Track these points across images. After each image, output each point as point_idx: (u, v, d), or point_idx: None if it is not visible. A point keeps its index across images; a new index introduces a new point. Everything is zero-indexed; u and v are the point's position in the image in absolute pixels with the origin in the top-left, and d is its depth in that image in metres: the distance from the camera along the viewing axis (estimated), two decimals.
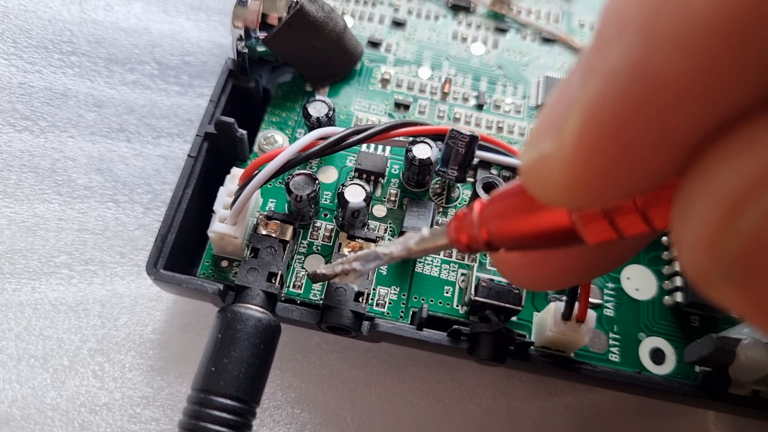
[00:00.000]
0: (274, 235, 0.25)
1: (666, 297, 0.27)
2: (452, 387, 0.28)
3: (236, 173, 0.26)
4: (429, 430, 0.27)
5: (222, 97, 0.28)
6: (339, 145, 0.25)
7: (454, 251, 0.27)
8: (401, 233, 0.26)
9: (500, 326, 0.24)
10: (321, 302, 0.25)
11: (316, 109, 0.27)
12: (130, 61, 0.33)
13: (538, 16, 0.34)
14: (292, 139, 0.29)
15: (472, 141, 0.27)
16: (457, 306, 0.26)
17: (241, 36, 0.27)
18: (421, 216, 0.26)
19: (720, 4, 0.08)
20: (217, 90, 0.28)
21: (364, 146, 0.29)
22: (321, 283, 0.26)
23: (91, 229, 0.29)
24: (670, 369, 0.26)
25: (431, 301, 0.26)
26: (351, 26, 0.32)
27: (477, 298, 0.25)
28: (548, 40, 0.33)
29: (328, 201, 0.28)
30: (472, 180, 0.29)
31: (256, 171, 0.24)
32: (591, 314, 0.24)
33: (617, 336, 0.27)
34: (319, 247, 0.27)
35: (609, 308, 0.27)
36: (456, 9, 0.34)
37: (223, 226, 0.25)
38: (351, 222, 0.26)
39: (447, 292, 0.26)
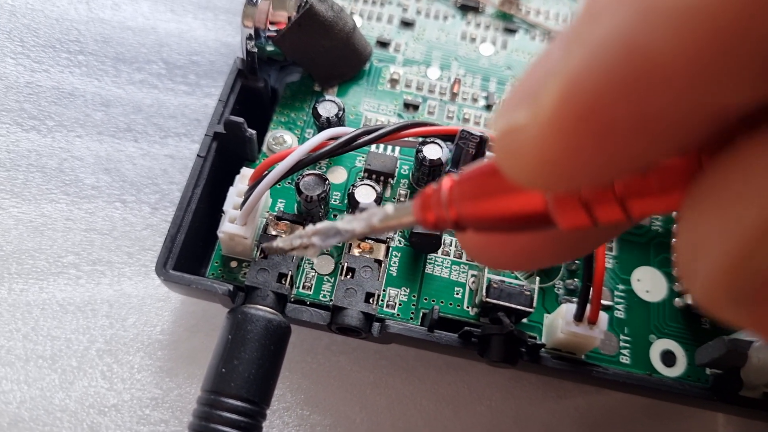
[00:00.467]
0: (283, 235, 0.25)
1: (677, 299, 0.27)
2: (462, 389, 0.28)
3: (246, 173, 0.25)
4: (438, 431, 0.27)
5: (231, 96, 0.28)
6: (349, 145, 0.25)
7: (465, 252, 0.27)
8: (412, 234, 0.26)
9: (512, 328, 0.24)
10: (331, 303, 0.25)
11: (326, 110, 0.27)
12: (137, 60, 0.33)
13: (547, 17, 0.34)
14: (302, 140, 0.29)
15: (483, 142, 0.26)
16: (468, 307, 0.26)
17: (250, 35, 0.27)
18: None
19: None
20: (226, 89, 0.28)
21: (373, 147, 0.29)
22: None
23: (98, 229, 0.29)
24: (680, 371, 0.26)
25: (441, 302, 0.26)
26: (360, 26, 0.32)
27: (488, 300, 0.24)
28: None
29: (338, 201, 0.28)
30: None
31: (267, 171, 0.24)
32: (603, 316, 0.24)
33: (628, 338, 0.26)
34: (329, 248, 0.26)
35: (619, 310, 0.27)
36: (465, 9, 0.34)
37: (233, 226, 0.24)
38: None
39: (457, 294, 0.26)
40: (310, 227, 0.18)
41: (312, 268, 0.26)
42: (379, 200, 0.25)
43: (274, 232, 0.25)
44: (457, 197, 0.13)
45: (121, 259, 0.29)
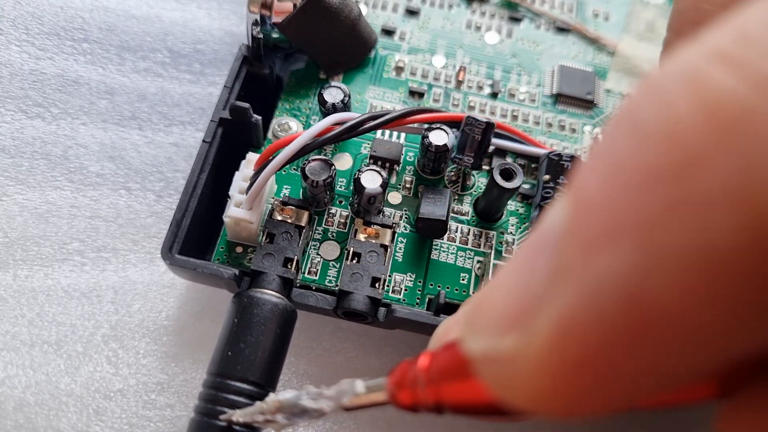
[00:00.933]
0: (289, 220, 0.25)
1: None
2: None
3: (252, 158, 0.25)
4: (444, 417, 0.27)
5: (236, 83, 0.28)
6: (355, 130, 0.25)
7: (471, 237, 0.27)
8: (418, 219, 0.26)
9: None
10: (337, 288, 0.25)
11: (332, 95, 0.27)
12: (141, 48, 0.33)
13: (552, 6, 0.34)
14: (307, 126, 0.29)
15: (489, 128, 0.26)
16: (474, 293, 0.26)
17: (256, 21, 0.27)
18: (438, 203, 0.26)
19: (745, 233, 0.06)
20: (231, 76, 0.28)
21: (379, 133, 0.29)
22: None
23: (103, 217, 0.29)
24: None
25: (447, 288, 0.26)
26: (365, 14, 0.32)
27: None
28: (562, 29, 0.33)
29: (343, 188, 0.28)
30: (487, 168, 0.29)
31: (272, 156, 0.24)
32: None
33: None
34: (335, 234, 0.26)
35: None
36: None
37: (238, 210, 0.24)
38: (367, 208, 0.26)
39: (463, 279, 0.26)
40: (272, 397, 0.16)
41: (318, 254, 0.26)
42: (385, 186, 0.25)
43: (279, 217, 0.25)
44: (437, 377, 0.12)
45: (126, 246, 0.29)
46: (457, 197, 0.28)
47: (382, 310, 0.25)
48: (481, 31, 0.33)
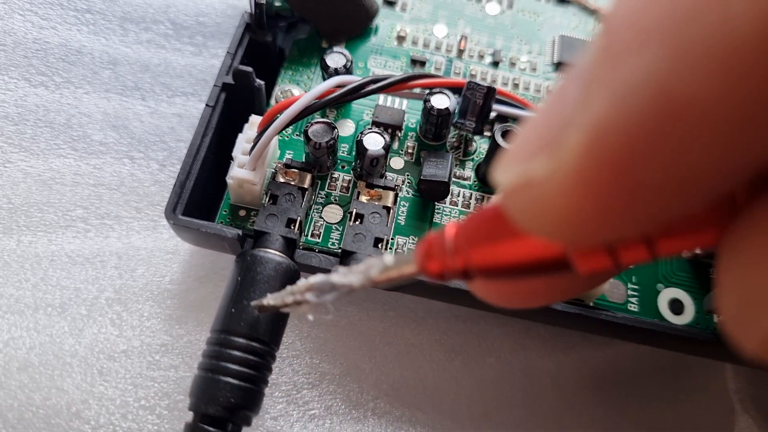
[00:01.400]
0: (292, 182, 0.25)
1: None
2: (471, 340, 0.28)
3: (255, 120, 0.26)
4: (447, 382, 0.27)
5: (239, 49, 0.28)
6: (356, 93, 0.25)
7: (473, 201, 0.27)
8: (420, 181, 0.26)
9: None
10: (340, 250, 0.25)
11: (334, 61, 0.27)
12: (144, 20, 0.33)
13: None
14: None
15: (490, 92, 0.26)
16: None
17: None
18: (440, 165, 0.26)
19: (763, 19, 0.06)
20: (234, 42, 0.28)
21: (381, 99, 0.29)
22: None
23: (106, 184, 0.29)
24: (689, 319, 0.26)
25: None
26: None
27: None
28: (562, 0, 0.33)
29: (346, 153, 0.28)
30: (489, 134, 0.29)
31: (275, 117, 0.24)
32: None
33: (636, 286, 0.26)
34: (337, 198, 0.27)
35: None
36: None
37: (242, 171, 0.24)
38: (369, 171, 0.26)
39: None
40: (302, 282, 0.16)
41: (320, 217, 0.26)
42: (387, 148, 0.25)
43: (282, 180, 0.25)
44: (464, 244, 0.12)
45: (129, 213, 0.29)
46: (458, 162, 0.28)
47: None
48: (482, 2, 0.33)
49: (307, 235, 0.26)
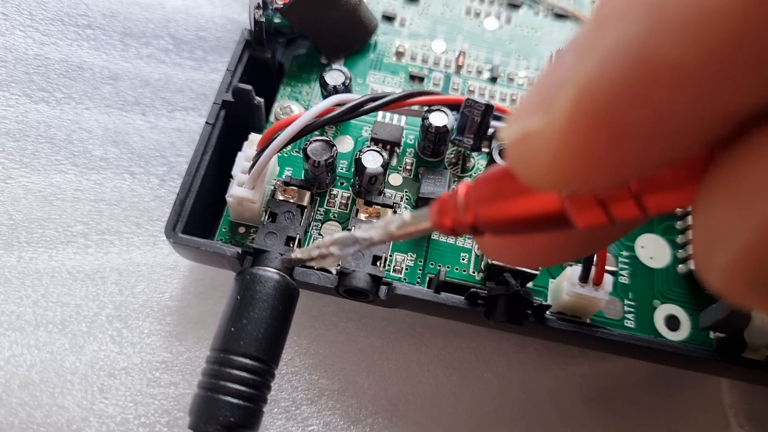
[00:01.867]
0: (291, 200, 0.25)
1: (680, 265, 0.28)
2: (468, 355, 0.28)
3: (254, 138, 0.26)
4: (445, 397, 0.27)
5: (238, 66, 0.28)
6: (356, 111, 0.25)
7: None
8: (418, 199, 0.26)
9: (518, 288, 0.24)
10: (338, 267, 0.25)
11: (333, 78, 0.28)
12: (145, 35, 0.33)
13: None
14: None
15: (488, 110, 0.27)
16: (474, 272, 0.26)
17: (258, 4, 0.27)
18: (438, 183, 0.27)
19: None
20: (234, 59, 0.28)
21: (379, 116, 0.29)
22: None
23: (107, 200, 0.29)
24: (684, 335, 0.26)
25: (447, 267, 0.26)
26: (365, 0, 0.32)
27: (494, 263, 0.25)
28: (560, 15, 0.34)
29: (344, 170, 0.28)
30: (487, 150, 0.29)
31: (275, 135, 0.25)
32: (608, 278, 0.24)
33: (632, 303, 0.27)
34: (336, 215, 0.27)
35: (624, 276, 0.27)
36: None
37: (241, 190, 0.25)
38: (368, 188, 0.26)
39: (463, 259, 0.26)
40: (328, 237, 0.18)
41: (320, 234, 0.26)
42: (386, 167, 0.26)
43: (282, 197, 0.25)
44: (473, 201, 0.14)
45: (129, 229, 0.29)
46: (457, 179, 0.28)
47: (383, 288, 0.25)
48: (481, 17, 0.33)
49: None
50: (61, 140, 0.30)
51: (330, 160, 0.25)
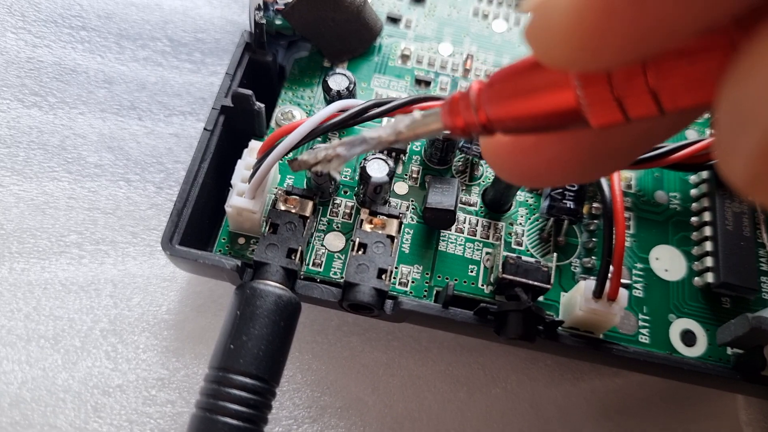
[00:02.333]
0: (293, 210, 0.24)
1: (696, 278, 0.27)
2: (477, 370, 0.27)
3: (255, 146, 0.25)
4: (452, 414, 0.26)
5: (238, 70, 0.27)
6: (359, 117, 0.24)
7: (479, 228, 0.26)
8: (425, 209, 0.25)
9: (530, 304, 0.23)
10: (342, 280, 0.24)
11: (337, 83, 0.27)
12: (141, 37, 0.32)
13: None
14: (311, 116, 0.28)
15: None
16: (482, 285, 0.25)
17: (259, 5, 0.26)
18: (446, 192, 0.25)
19: None
20: (233, 63, 0.27)
21: (384, 122, 0.28)
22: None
23: (102, 209, 0.28)
24: (701, 351, 0.25)
25: (455, 280, 0.25)
26: (370, 1, 0.31)
27: (505, 276, 0.24)
28: None
29: (348, 178, 0.27)
30: None
31: (276, 143, 0.24)
32: (623, 292, 0.23)
33: (647, 317, 0.26)
34: (339, 225, 0.26)
35: (638, 289, 0.26)
36: None
37: (241, 200, 0.24)
38: (373, 198, 0.25)
39: (471, 272, 0.25)
40: (335, 140, 0.17)
41: (322, 245, 0.25)
42: (392, 175, 0.25)
43: (283, 207, 0.24)
44: (486, 99, 0.13)
45: (125, 238, 0.28)
46: (465, 187, 0.27)
47: (389, 302, 0.24)
48: (489, 19, 0.32)
49: (308, 264, 0.25)
50: (54, 146, 0.29)
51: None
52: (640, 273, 0.27)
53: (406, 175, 0.27)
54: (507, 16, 0.32)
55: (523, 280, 0.24)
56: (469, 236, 0.26)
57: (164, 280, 0.27)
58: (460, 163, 0.28)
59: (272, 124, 0.28)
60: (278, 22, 0.28)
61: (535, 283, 0.24)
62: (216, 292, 0.27)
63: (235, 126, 0.27)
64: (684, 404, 0.28)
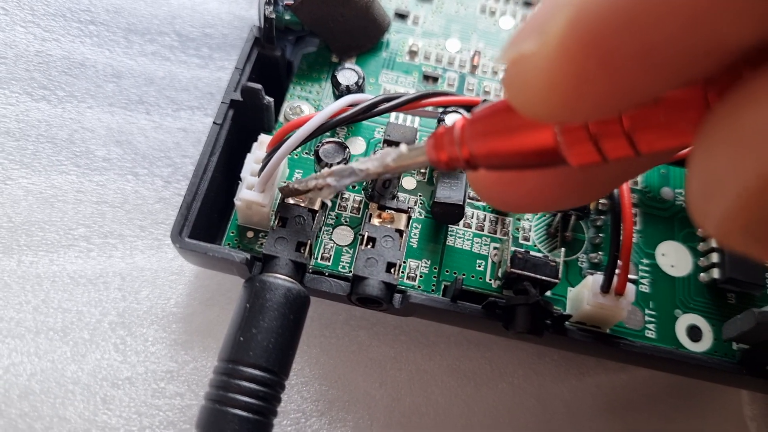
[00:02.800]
0: (302, 204, 0.25)
1: (702, 274, 0.27)
2: (484, 365, 0.27)
3: (264, 140, 0.25)
4: (459, 408, 0.26)
5: (247, 64, 0.27)
6: (369, 112, 0.25)
7: (487, 223, 0.26)
8: (433, 204, 0.25)
9: (538, 298, 0.23)
10: (351, 274, 0.24)
11: (346, 77, 0.27)
12: (149, 31, 0.32)
13: None
14: (319, 111, 0.28)
15: None
16: (490, 280, 0.25)
17: (269, 0, 0.26)
18: (454, 186, 0.26)
19: None
20: (243, 57, 0.27)
21: (392, 117, 0.28)
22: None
23: (110, 202, 0.28)
24: (707, 346, 0.25)
25: (463, 275, 0.25)
26: None
27: (513, 270, 0.24)
28: None
29: None
30: None
31: (285, 137, 0.24)
32: (630, 287, 0.23)
33: (653, 312, 0.26)
34: (348, 219, 0.26)
35: (644, 284, 0.26)
36: None
37: (250, 193, 0.24)
38: (381, 192, 0.25)
39: (479, 266, 0.26)
40: (325, 169, 0.18)
41: (330, 239, 0.25)
42: None
43: (292, 201, 0.25)
44: (469, 136, 0.14)
45: (133, 232, 0.28)
46: None
47: (397, 296, 0.24)
48: (496, 15, 0.32)
49: (317, 258, 0.25)
50: (62, 140, 0.29)
51: (343, 163, 0.25)
52: (647, 269, 0.27)
53: (413, 170, 0.27)
54: (514, 13, 0.32)
55: (532, 274, 0.24)
56: (477, 231, 0.26)
57: (172, 273, 0.27)
58: None
59: (281, 119, 0.28)
60: (287, 17, 0.28)
61: (544, 278, 0.24)
62: (224, 285, 0.27)
63: (244, 121, 0.27)
64: (688, 400, 0.28)
